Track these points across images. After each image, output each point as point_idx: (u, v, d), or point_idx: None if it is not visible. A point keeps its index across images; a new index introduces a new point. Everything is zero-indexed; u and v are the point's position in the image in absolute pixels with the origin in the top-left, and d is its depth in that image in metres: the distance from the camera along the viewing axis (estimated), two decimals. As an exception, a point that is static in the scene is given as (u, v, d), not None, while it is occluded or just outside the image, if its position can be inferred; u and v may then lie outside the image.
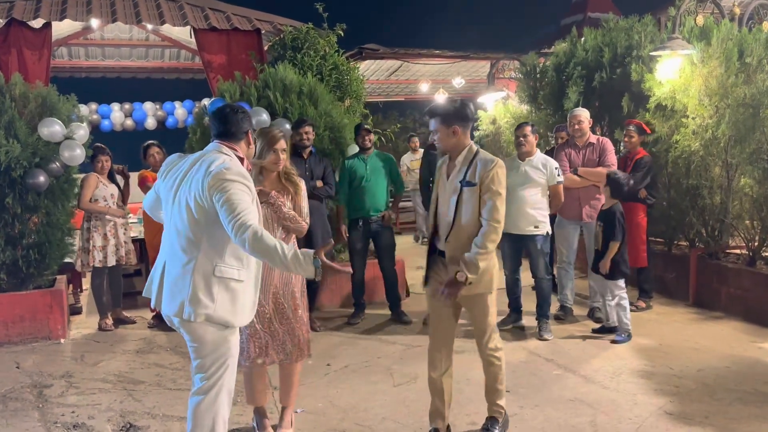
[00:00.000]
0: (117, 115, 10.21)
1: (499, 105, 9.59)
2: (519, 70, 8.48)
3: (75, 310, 6.58)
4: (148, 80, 11.18)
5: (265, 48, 7.62)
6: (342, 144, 6.21)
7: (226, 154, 2.68)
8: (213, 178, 2.50)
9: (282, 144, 3.45)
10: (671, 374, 4.37)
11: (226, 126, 2.73)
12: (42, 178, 5.37)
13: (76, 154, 5.55)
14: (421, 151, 9.07)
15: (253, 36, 7.25)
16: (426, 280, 3.49)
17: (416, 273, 6.72)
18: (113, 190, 5.96)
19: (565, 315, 5.75)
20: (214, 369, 2.71)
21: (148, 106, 10.39)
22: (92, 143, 5.96)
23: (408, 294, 6.67)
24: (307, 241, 5.15)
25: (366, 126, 5.83)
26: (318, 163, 5.59)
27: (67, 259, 6.12)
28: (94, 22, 7.91)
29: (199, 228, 2.59)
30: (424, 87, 12.81)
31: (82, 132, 5.70)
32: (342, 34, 7.34)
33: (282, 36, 7.00)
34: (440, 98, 12.86)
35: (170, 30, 8.67)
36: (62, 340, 5.56)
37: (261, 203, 3.41)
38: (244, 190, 2.54)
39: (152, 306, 2.81)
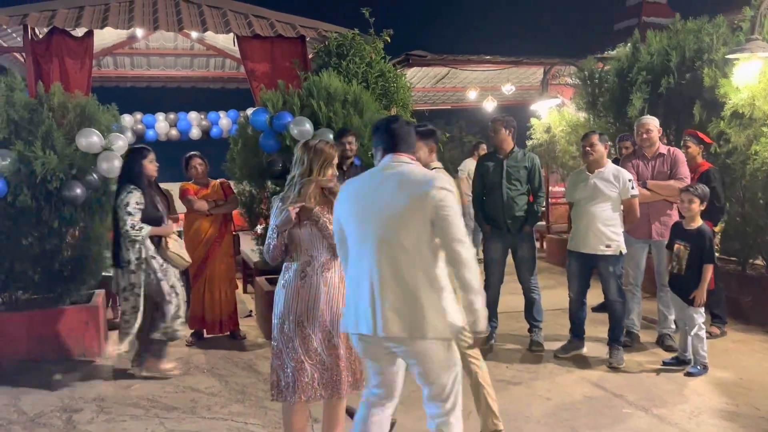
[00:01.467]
0: (162, 125, 10.15)
1: (554, 112, 9.12)
2: (576, 76, 8.02)
3: (115, 325, 6.40)
4: (193, 89, 11.11)
5: (310, 56, 7.36)
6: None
7: (414, 163, 2.70)
8: (436, 189, 2.50)
9: (336, 159, 3.22)
10: (758, 416, 3.87)
11: (405, 138, 2.71)
12: (79, 191, 5.19)
13: (115, 165, 5.35)
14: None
15: (297, 43, 7.00)
16: None
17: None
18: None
19: (631, 342, 5.26)
20: (451, 385, 2.63)
21: (193, 115, 10.31)
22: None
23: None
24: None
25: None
26: (356, 174, 5.26)
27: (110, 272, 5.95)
28: (139, 31, 7.83)
29: (416, 240, 2.53)
30: (472, 94, 12.38)
31: (121, 143, 5.50)
32: (389, 40, 7.03)
33: (327, 43, 6.72)
34: (489, 106, 12.41)
35: (215, 39, 8.53)
36: (97, 359, 5.37)
37: (303, 222, 3.12)
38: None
39: (347, 329, 2.73)
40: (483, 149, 9.29)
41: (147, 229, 4.69)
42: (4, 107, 5.08)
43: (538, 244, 10.07)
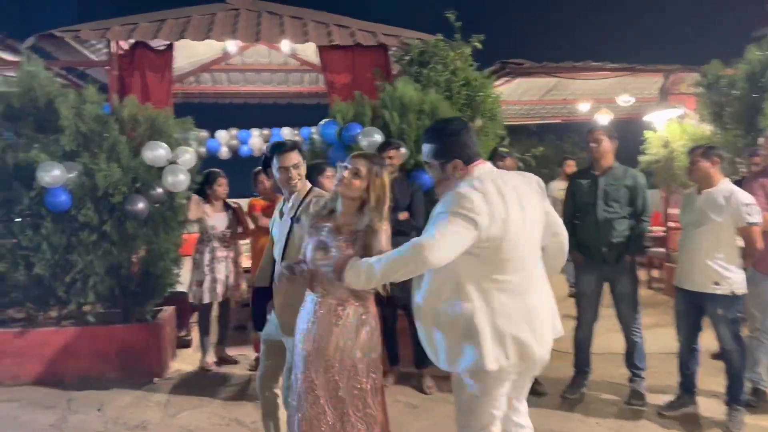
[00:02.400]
0: (256, 140, 10.12)
1: (673, 124, 8.04)
2: (699, 83, 6.99)
3: (184, 343, 6.25)
4: (289, 105, 11.06)
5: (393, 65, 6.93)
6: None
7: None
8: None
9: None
10: None
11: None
12: (141, 205, 5.04)
13: (180, 179, 5.19)
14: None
15: (379, 52, 6.59)
16: None
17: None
18: (218, 220, 5.49)
19: (757, 401, 4.28)
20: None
21: (286, 131, 10.20)
22: (201, 167, 5.59)
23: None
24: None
25: (501, 149, 4.86)
26: (404, 192, 4.74)
27: (181, 288, 5.80)
28: (230, 45, 7.77)
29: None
30: (584, 107, 11.39)
31: (188, 156, 5.33)
32: (479, 46, 6.41)
33: (408, 50, 6.24)
34: (603, 119, 11.35)
35: (307, 53, 8.34)
36: (156, 380, 5.17)
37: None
38: None
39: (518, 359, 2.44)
40: (570, 166, 8.34)
41: None
42: (73, 119, 5.04)
43: (655, 273, 8.93)
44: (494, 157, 4.95)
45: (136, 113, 5.35)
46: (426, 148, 2.59)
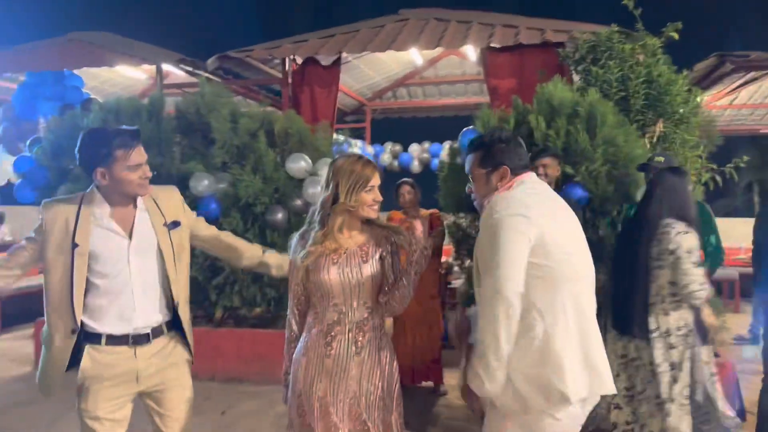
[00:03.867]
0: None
1: None
2: None
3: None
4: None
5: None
6: (630, 185, 4.36)
7: None
8: None
9: (378, 179, 2.36)
10: None
11: None
12: (280, 215, 5.15)
13: (319, 191, 5.16)
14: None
15: (549, 52, 5.87)
16: None
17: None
18: None
19: None
20: None
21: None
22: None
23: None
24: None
25: (657, 158, 3.93)
26: None
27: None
28: (414, 55, 7.72)
29: None
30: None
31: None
32: (676, 36, 5.37)
33: (577, 46, 5.45)
34: None
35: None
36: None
37: (332, 264, 2.32)
38: None
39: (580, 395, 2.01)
40: None
41: None
42: (227, 134, 5.34)
43: None
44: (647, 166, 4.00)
45: (288, 127, 5.49)
46: (470, 158, 2.31)
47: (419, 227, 5.06)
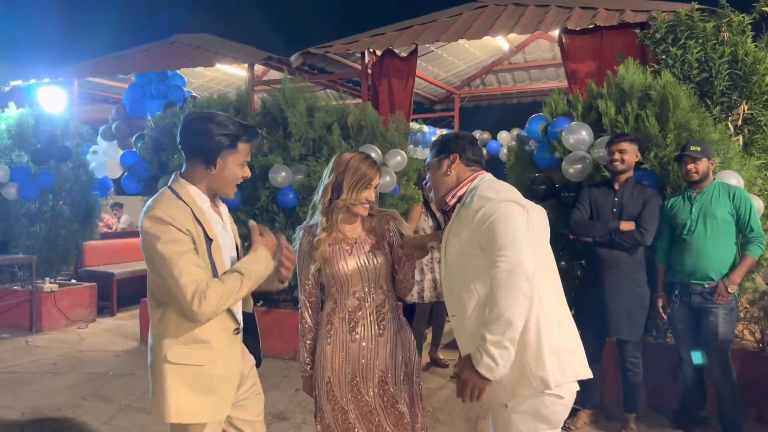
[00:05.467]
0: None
1: None
2: None
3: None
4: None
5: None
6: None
7: None
8: None
9: (378, 179, 2.47)
10: None
11: None
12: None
13: (386, 181, 5.32)
14: None
15: (628, 33, 5.61)
16: None
17: None
18: (428, 223, 5.45)
19: None
20: None
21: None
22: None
23: None
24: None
25: (691, 149, 3.73)
26: (635, 197, 3.86)
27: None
28: (501, 41, 7.64)
29: None
30: None
31: (399, 158, 5.44)
32: (767, 11, 5.00)
33: (654, 26, 5.18)
34: None
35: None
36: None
37: (347, 253, 2.45)
38: None
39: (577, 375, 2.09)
40: None
41: None
42: (304, 127, 5.61)
43: None
44: (682, 160, 3.81)
45: (361, 119, 5.67)
46: (428, 156, 2.36)
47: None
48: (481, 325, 1.96)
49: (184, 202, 2.09)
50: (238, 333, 2.22)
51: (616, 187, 3.92)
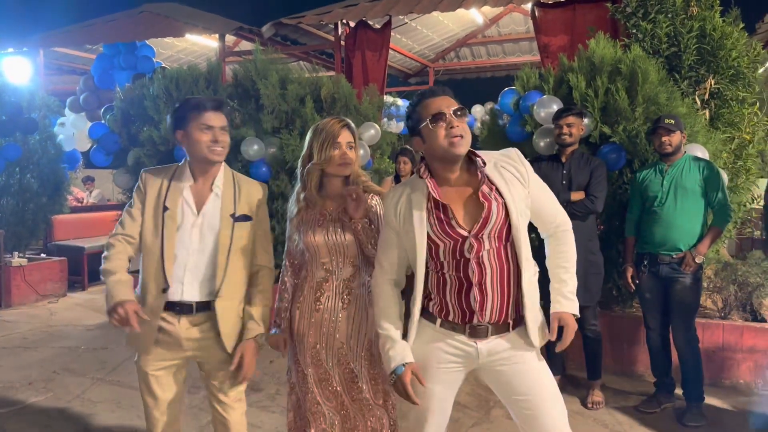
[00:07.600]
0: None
1: None
2: None
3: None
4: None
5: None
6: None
7: None
8: None
9: (347, 137, 2.43)
10: None
11: None
12: (325, 178, 5.34)
13: (359, 155, 5.31)
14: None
15: (600, 7, 5.65)
16: None
17: None
18: None
19: None
20: None
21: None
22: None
23: None
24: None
25: (665, 122, 3.79)
26: (582, 167, 3.96)
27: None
28: (474, 14, 7.59)
29: None
30: None
31: (372, 132, 5.44)
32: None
33: (625, 0, 5.21)
34: None
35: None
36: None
37: (317, 225, 2.44)
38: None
39: None
40: None
41: None
42: (277, 99, 5.55)
43: None
44: (656, 132, 3.88)
45: (334, 92, 5.63)
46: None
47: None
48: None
49: (173, 175, 2.46)
50: (165, 292, 2.40)
51: (564, 159, 4.02)
